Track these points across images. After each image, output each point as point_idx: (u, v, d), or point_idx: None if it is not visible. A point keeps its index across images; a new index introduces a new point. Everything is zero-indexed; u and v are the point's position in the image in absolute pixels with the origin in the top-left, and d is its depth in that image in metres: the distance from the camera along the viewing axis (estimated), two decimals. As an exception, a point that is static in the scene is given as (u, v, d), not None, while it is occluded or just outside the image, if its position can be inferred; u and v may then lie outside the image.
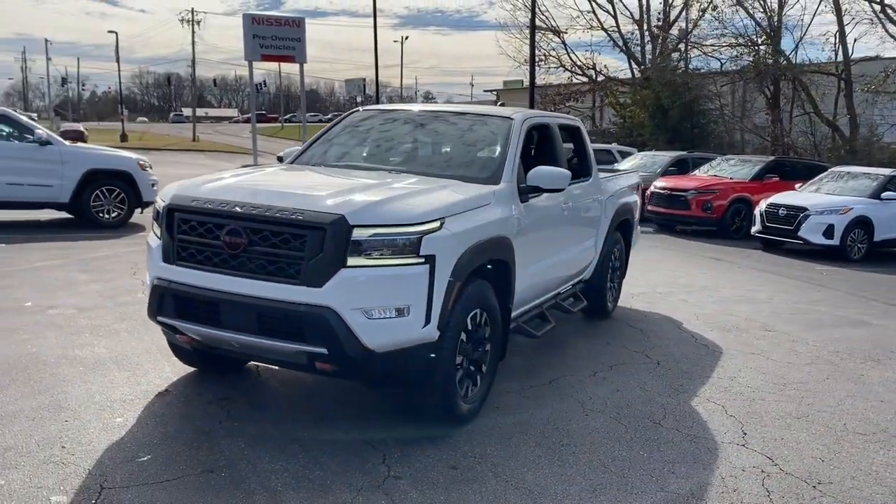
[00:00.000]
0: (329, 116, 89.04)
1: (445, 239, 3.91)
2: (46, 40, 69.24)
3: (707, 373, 5.69)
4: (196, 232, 4.00)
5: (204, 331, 4.02)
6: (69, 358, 5.13)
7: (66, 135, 45.41)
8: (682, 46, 30.52)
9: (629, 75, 32.16)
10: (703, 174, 16.63)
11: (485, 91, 63.86)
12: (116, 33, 54.81)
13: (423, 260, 3.81)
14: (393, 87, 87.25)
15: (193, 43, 57.26)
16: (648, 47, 32.06)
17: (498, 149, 5.09)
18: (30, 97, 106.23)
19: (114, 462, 3.66)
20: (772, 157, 17.47)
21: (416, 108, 6.03)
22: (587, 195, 6.32)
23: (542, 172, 4.96)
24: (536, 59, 31.80)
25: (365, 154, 5.47)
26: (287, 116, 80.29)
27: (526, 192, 4.95)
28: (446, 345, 4.02)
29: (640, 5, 31.70)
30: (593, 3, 31.47)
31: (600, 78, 32.06)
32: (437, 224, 3.91)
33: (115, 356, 5.22)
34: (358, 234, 3.71)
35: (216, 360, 4.76)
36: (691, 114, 27.63)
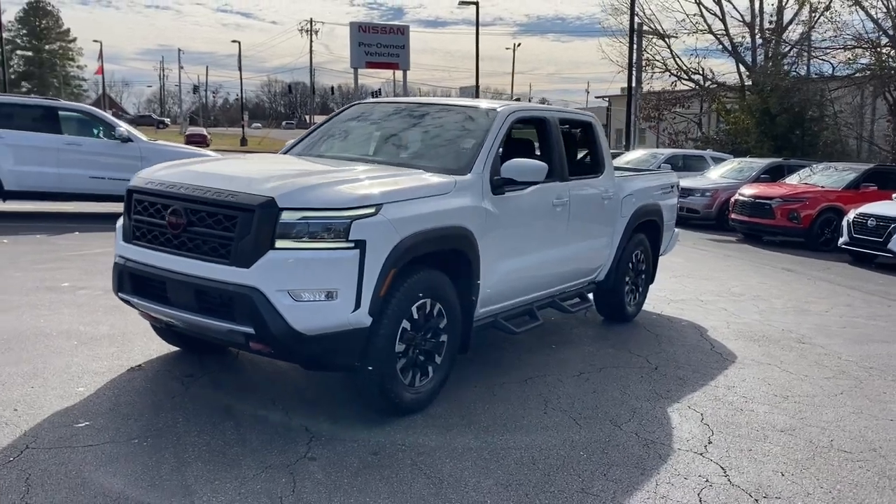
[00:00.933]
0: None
1: (379, 225, 3.91)
2: (179, 50, 73.96)
3: (704, 381, 5.40)
4: (147, 212, 4.18)
5: (155, 307, 4.19)
6: (69, 332, 5.46)
7: (190, 138, 48.12)
8: (795, 50, 29.00)
9: (736, 80, 30.85)
10: (793, 182, 15.74)
11: (596, 97, 62.97)
12: (239, 43, 57.77)
13: (352, 245, 3.82)
14: (508, 94, 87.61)
15: (311, 52, 59.64)
16: (759, 51, 30.66)
17: (474, 141, 5.02)
18: (169, 104, 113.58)
19: (52, 426, 3.87)
20: (871, 165, 16.31)
21: (408, 101, 6.05)
22: (595, 193, 6.13)
23: (515, 165, 4.87)
24: (641, 63, 31.13)
25: (348, 145, 5.54)
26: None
27: (500, 184, 4.86)
28: (382, 332, 4.01)
29: (752, 8, 30.40)
30: (701, 7, 30.45)
31: (707, 83, 30.96)
32: (370, 210, 3.91)
33: (113, 333, 5.51)
34: (287, 216, 3.77)
35: (191, 340, 4.94)
36: (801, 121, 26.21)
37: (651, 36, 31.88)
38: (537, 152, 5.92)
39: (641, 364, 5.70)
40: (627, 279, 6.85)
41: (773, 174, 17.12)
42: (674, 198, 7.61)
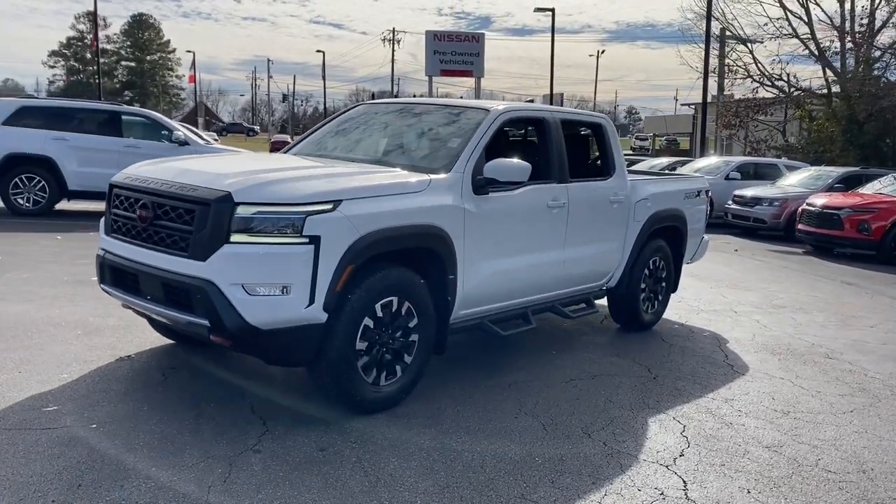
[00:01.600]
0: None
1: (336, 221, 3.92)
2: (269, 61, 76.95)
3: (702, 392, 5.17)
4: (122, 206, 4.33)
5: (131, 299, 4.32)
6: (77, 322, 5.69)
7: (275, 144, 49.67)
8: (889, 54, 27.50)
9: (821, 86, 29.48)
10: (867, 191, 14.92)
11: (682, 105, 61.33)
12: (323, 53, 59.86)
13: (307, 240, 3.84)
14: (596, 102, 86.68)
15: (393, 61, 60.71)
16: (848, 55, 29.22)
17: (460, 140, 4.98)
18: (262, 112, 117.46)
19: (22, 408, 4.04)
20: (956, 175, 15.29)
21: (409, 101, 6.04)
22: (601, 195, 5.97)
23: (496, 165, 4.80)
24: (723, 70, 30.21)
25: (342, 144, 5.57)
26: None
27: (482, 184, 4.80)
28: (339, 328, 4.01)
29: (842, 11, 29.01)
30: (785, 10, 29.27)
31: (792, 90, 29.72)
32: (327, 206, 3.93)
33: (118, 325, 5.71)
34: (242, 211, 3.83)
35: (179, 333, 5.06)
36: (891, 128, 24.84)
37: (733, 41, 30.89)
38: (523, 151, 5.79)
39: (640, 373, 5.51)
40: (643, 286, 6.64)
41: (849, 184, 16.29)
42: (701, 204, 7.33)
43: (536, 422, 4.40)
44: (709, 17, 24.43)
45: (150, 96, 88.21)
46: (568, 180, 5.60)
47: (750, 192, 17.20)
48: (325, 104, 66.03)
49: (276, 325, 3.87)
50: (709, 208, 7.56)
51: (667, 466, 3.93)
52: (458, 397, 4.71)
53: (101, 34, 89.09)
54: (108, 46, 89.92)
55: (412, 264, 4.45)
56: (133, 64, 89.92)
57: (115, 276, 4.38)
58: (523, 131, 6.07)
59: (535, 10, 36.35)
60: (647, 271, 6.65)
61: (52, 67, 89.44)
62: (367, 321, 4.17)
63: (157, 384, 4.57)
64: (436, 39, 34.41)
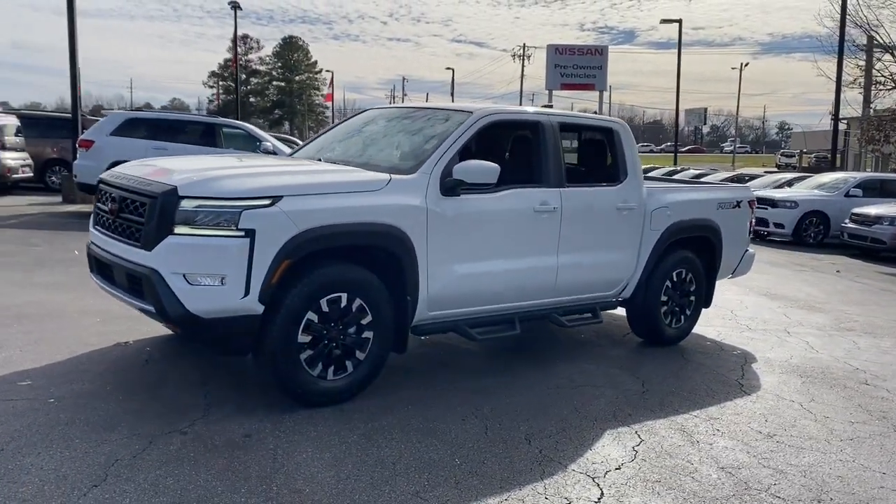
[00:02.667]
0: (662, 147, 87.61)
1: (272, 216, 4.05)
2: (403, 78, 78.71)
3: (688, 409, 4.89)
4: (101, 200, 4.67)
5: (107, 288, 4.64)
6: (100, 312, 6.14)
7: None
8: None
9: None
10: None
11: (831, 118, 57.52)
12: (452, 70, 60.27)
13: (242, 233, 4.00)
14: (743, 118, 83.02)
15: (522, 77, 60.51)
16: None
17: (437, 141, 4.99)
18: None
19: (2, 381, 4.43)
20: None
21: (410, 105, 6.09)
22: (606, 202, 5.78)
23: (463, 166, 4.78)
24: (869, 81, 28.23)
25: (336, 147, 5.69)
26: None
27: (451, 185, 4.79)
28: (278, 320, 4.14)
29: None
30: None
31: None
32: (265, 201, 4.07)
33: (135, 315, 6.08)
34: (186, 204, 4.04)
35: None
36: None
37: (879, 50, 28.72)
38: (515, 154, 5.70)
39: (631, 386, 5.28)
40: (665, 298, 6.34)
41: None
42: (743, 215, 6.91)
43: (482, 426, 4.33)
44: (842, 23, 22.88)
45: (297, 114, 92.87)
46: (564, 185, 5.47)
47: (870, 209, 15.92)
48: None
49: (214, 314, 4.04)
50: (753, 220, 7.10)
51: (593, 478, 3.76)
52: (420, 398, 4.71)
53: (254, 56, 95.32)
54: (261, 67, 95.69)
55: (367, 262, 4.51)
56: (283, 84, 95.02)
57: (98, 265, 4.72)
58: (516, 135, 5.97)
59: (661, 22, 35.40)
60: (668, 283, 6.35)
61: (211, 87, 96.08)
62: (311, 315, 4.27)
63: (134, 368, 4.87)
64: (557, 53, 34.29)
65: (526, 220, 5.24)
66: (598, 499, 3.55)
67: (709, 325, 7.41)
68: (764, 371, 5.93)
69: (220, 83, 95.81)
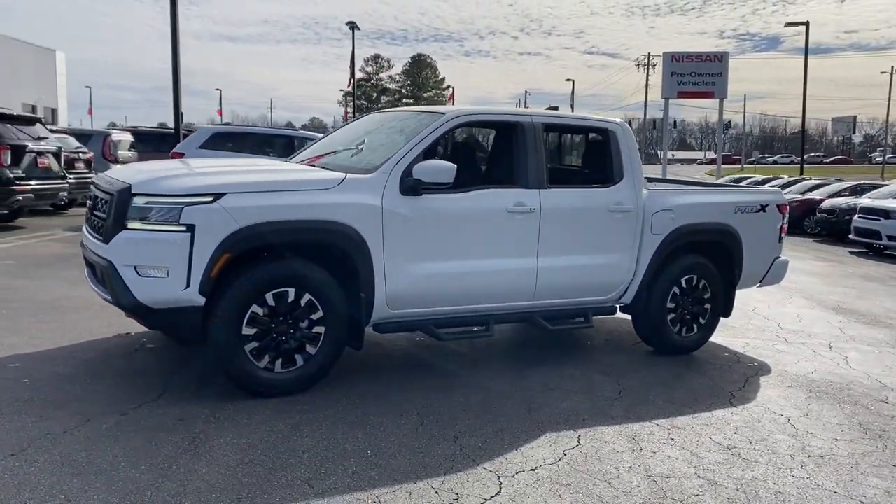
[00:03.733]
0: (811, 155, 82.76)
1: (212, 211, 4.27)
2: (525, 92, 78.65)
3: (653, 418, 4.69)
4: (89, 200, 5.06)
5: (91, 283, 5.01)
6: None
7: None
8: None
9: None
10: None
11: None
12: (573, 81, 59.57)
13: (184, 228, 4.24)
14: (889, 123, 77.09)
15: (647, 87, 58.92)
16: None
17: (405, 142, 5.06)
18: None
19: (-6, 363, 4.89)
20: None
21: (403, 110, 6.13)
22: (595, 204, 5.63)
23: (422, 166, 4.83)
24: None
25: (325, 151, 5.83)
26: (752, 159, 77.03)
27: (412, 184, 4.84)
28: (220, 312, 4.34)
29: None
30: None
31: None
32: (207, 198, 4.29)
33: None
34: (137, 201, 4.33)
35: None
36: None
37: None
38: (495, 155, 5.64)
39: (607, 393, 5.11)
40: (672, 305, 6.09)
41: None
42: (770, 220, 6.51)
43: (417, 422, 4.34)
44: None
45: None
46: (544, 185, 5.39)
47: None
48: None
49: (162, 304, 4.30)
50: (785, 225, 6.68)
51: (499, 477, 3.70)
52: (369, 392, 4.78)
53: (384, 74, 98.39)
54: (391, 85, 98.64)
55: (319, 258, 4.64)
56: (412, 100, 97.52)
57: (86, 262, 5.10)
58: (494, 136, 5.92)
59: (786, 25, 33.60)
60: (676, 290, 6.09)
61: (346, 105, 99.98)
62: (256, 308, 4.44)
63: (120, 357, 5.22)
64: (673, 61, 33.22)
65: (497, 220, 5.20)
66: (492, 497, 3.49)
67: (740, 336, 7.04)
68: (770, 384, 5.57)
69: (352, 101, 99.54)
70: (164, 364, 5.11)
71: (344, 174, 4.77)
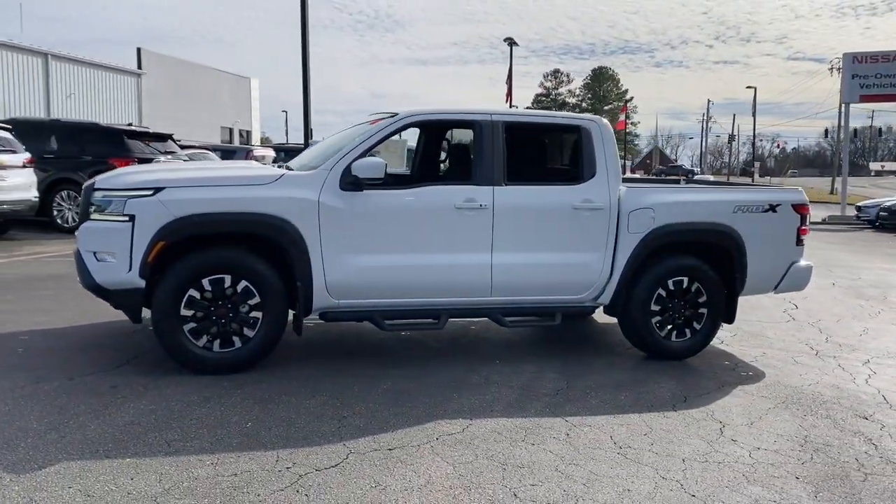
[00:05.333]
0: None
1: (150, 204, 4.80)
2: (708, 101, 75.21)
3: (564, 415, 4.61)
4: (86, 197, 5.80)
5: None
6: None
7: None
8: None
9: None
10: None
11: None
12: (755, 88, 56.11)
13: (126, 218, 4.81)
14: None
15: (841, 92, 54.12)
16: None
17: (358, 141, 5.33)
18: (728, 154, 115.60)
19: (10, 335, 5.72)
20: None
21: (379, 113, 6.34)
22: (558, 202, 5.56)
23: (359, 163, 5.08)
24: None
25: (309, 154, 6.18)
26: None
27: (351, 180, 5.10)
28: (160, 294, 4.86)
29: None
30: None
31: None
32: (147, 192, 4.83)
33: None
34: (97, 195, 4.97)
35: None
36: None
37: None
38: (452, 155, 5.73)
39: (543, 391, 5.05)
40: (658, 308, 5.86)
41: None
42: (783, 221, 6.05)
43: (320, 404, 4.56)
44: None
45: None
46: (501, 183, 5.44)
47: None
48: (753, 143, 62.20)
49: (113, 286, 4.89)
50: (804, 227, 6.18)
51: (351, 452, 3.87)
52: (301, 376, 5.07)
53: (563, 89, 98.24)
54: (571, 100, 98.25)
55: (259, 248, 5.03)
56: (592, 114, 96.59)
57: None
58: (451, 135, 5.99)
59: None
60: (662, 292, 5.86)
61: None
62: (193, 292, 4.91)
63: (121, 335, 5.90)
64: (855, 62, 30.69)
65: (445, 216, 5.32)
66: (326, 468, 3.66)
67: (765, 345, 6.62)
68: (743, 394, 5.21)
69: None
70: (153, 343, 5.69)
71: (283, 172, 5.13)
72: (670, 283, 5.86)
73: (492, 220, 5.39)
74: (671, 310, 5.90)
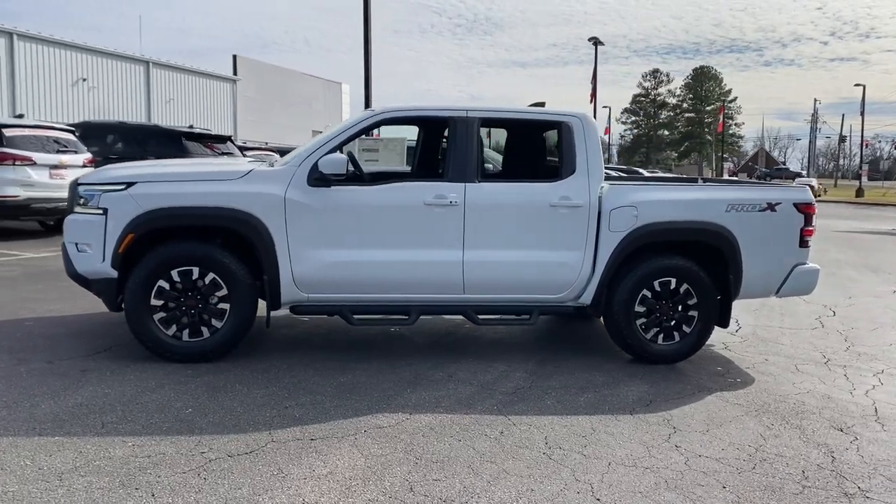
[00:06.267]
0: None
1: (120, 198, 5.04)
2: (816, 100, 71.28)
3: (519, 414, 4.54)
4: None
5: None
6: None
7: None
8: None
9: None
10: None
11: None
12: (864, 86, 53.00)
13: (100, 211, 5.07)
14: None
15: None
16: None
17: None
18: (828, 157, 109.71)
19: (9, 322, 6.11)
20: None
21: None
22: (534, 199, 5.46)
23: (325, 159, 5.16)
24: None
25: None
26: None
27: (318, 176, 5.19)
28: (131, 284, 5.09)
29: None
30: None
31: None
32: (119, 187, 5.08)
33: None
34: (80, 189, 5.25)
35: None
36: None
37: None
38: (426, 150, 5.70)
39: (502, 389, 4.99)
40: (643, 310, 5.67)
41: None
42: (783, 220, 5.73)
43: (270, 394, 4.66)
44: None
45: (706, 144, 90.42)
46: (473, 179, 5.41)
47: None
48: (861, 144, 58.76)
49: (91, 275, 5.17)
50: (808, 227, 5.83)
51: (273, 441, 3.94)
52: (259, 368, 5.18)
53: (662, 89, 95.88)
54: (671, 100, 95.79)
55: (227, 242, 5.20)
56: (693, 115, 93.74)
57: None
58: (425, 132, 5.94)
59: None
60: (648, 293, 5.66)
61: (624, 124, 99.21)
62: (163, 283, 5.12)
63: (117, 325, 6.18)
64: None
65: (414, 213, 5.33)
66: (239, 454, 3.74)
67: (772, 353, 6.30)
68: (718, 400, 4.97)
69: (631, 119, 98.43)
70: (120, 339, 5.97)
71: (252, 168, 5.27)
72: (656, 284, 5.66)
73: (463, 217, 5.36)
74: (657, 312, 5.70)
